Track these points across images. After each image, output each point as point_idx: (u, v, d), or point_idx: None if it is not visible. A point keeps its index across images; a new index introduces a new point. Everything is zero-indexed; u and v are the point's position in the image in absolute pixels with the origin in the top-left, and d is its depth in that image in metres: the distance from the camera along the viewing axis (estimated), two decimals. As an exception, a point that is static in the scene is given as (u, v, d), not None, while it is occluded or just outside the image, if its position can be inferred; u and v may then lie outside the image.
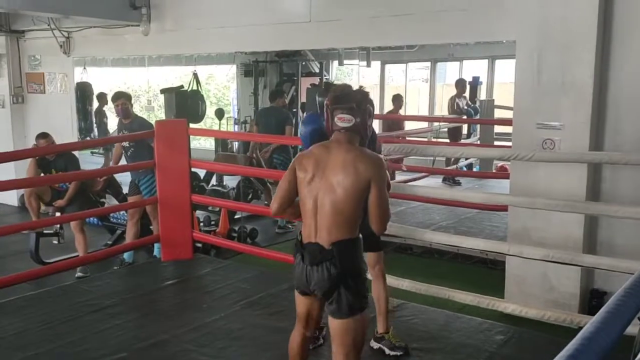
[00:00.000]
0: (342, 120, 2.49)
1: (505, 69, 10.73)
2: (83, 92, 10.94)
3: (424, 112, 11.79)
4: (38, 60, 8.58)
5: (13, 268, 5.39)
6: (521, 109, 4.43)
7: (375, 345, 3.50)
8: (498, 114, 9.29)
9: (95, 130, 11.56)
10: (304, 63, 11.48)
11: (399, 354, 3.44)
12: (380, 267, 3.51)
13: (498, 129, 9.49)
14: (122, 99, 5.70)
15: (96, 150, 13.42)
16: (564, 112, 4.17)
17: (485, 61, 10.84)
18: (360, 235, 2.51)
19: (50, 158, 5.66)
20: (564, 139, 4.15)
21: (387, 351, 3.45)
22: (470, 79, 9.88)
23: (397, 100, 9.59)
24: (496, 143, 9.04)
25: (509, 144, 4.90)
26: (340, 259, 2.39)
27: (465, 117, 9.01)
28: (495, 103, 9.66)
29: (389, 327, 3.50)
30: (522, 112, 4.40)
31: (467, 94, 9.46)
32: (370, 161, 2.42)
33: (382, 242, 3.52)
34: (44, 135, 5.67)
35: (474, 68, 11.10)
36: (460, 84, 9.40)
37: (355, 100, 2.51)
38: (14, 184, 6.29)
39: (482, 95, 10.29)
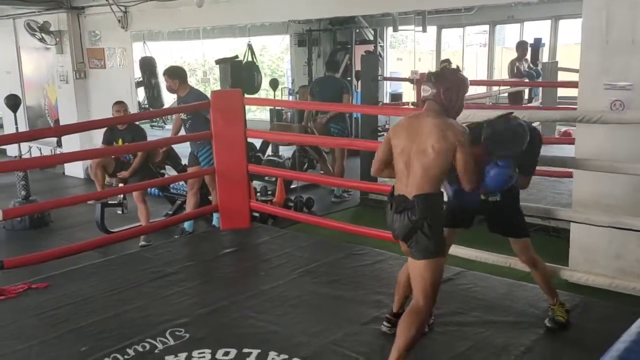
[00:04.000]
0: (424, 90, 2.92)
1: (570, 30, 10.24)
2: (147, 66, 11.14)
3: (483, 77, 11.43)
4: (98, 35, 8.78)
5: (80, 237, 5.62)
6: (588, 69, 4.21)
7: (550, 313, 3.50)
8: (562, 77, 8.89)
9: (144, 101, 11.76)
10: (357, 30, 11.30)
11: (549, 325, 3.40)
12: (526, 258, 3.39)
13: (561, 92, 9.10)
14: (165, 76, 5.80)
15: (155, 123, 13.77)
16: (634, 71, 3.94)
17: (548, 22, 10.35)
18: (442, 191, 2.91)
19: (121, 127, 5.84)
20: (634, 99, 3.93)
21: (546, 320, 3.44)
22: (532, 41, 9.47)
23: (446, 64, 9.31)
24: (559, 107, 8.68)
25: (574, 107, 4.69)
26: (419, 209, 2.79)
27: (526, 80, 8.67)
28: (559, 65, 9.24)
29: (555, 301, 3.45)
30: (589, 73, 4.19)
31: (528, 57, 9.09)
32: (456, 130, 2.81)
33: (524, 229, 3.39)
34: (118, 103, 5.96)
35: (536, 30, 10.63)
36: (521, 46, 9.02)
37: (434, 75, 2.92)
38: (81, 155, 6.53)
39: (545, 58, 9.86)
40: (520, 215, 3.40)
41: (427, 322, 2.99)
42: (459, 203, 3.28)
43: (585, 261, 4.23)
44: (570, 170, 4.41)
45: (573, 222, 4.10)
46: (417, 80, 7.61)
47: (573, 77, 6.38)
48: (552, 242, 5.04)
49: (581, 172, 4.17)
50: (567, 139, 7.58)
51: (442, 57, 11.50)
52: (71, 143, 8.37)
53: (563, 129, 8.82)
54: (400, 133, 2.95)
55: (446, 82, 2.87)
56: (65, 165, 9.28)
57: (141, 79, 11.21)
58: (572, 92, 6.80)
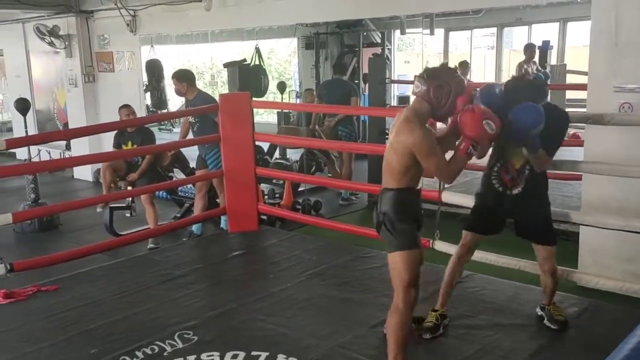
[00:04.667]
0: (415, 86, 2.79)
1: (578, 32, 10.20)
2: (153, 68, 11.18)
3: (490, 80, 11.40)
4: (107, 39, 8.83)
5: (89, 240, 5.65)
6: (597, 72, 4.19)
7: (539, 311, 3.53)
8: (570, 79, 8.85)
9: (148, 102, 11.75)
10: (365, 33, 11.31)
11: (553, 327, 3.40)
12: (548, 267, 3.35)
13: (570, 95, 9.06)
14: (174, 79, 5.82)
15: (163, 126, 13.82)
16: (643, 74, 3.93)
17: (556, 24, 10.32)
18: (410, 188, 2.77)
19: (130, 130, 5.87)
20: (644, 102, 3.91)
21: (545, 321, 3.45)
22: (540, 44, 9.44)
23: (463, 67, 9.31)
24: (568, 110, 8.62)
25: (582, 110, 4.67)
26: (382, 203, 2.80)
27: (534, 83, 8.63)
28: (568, 68, 9.20)
29: (549, 301, 3.47)
30: (598, 76, 4.17)
31: (536, 59, 9.06)
32: (411, 133, 2.67)
33: (553, 236, 3.34)
34: (125, 107, 5.97)
35: (544, 32, 10.60)
36: (529, 49, 9.00)
37: (426, 72, 2.79)
38: (90, 158, 6.57)
39: (553, 60, 9.82)
40: (550, 219, 3.34)
41: (411, 320, 2.85)
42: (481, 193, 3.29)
43: (595, 264, 4.20)
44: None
45: (583, 225, 4.08)
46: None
47: (582, 79, 6.36)
48: (561, 245, 4.98)
49: (590, 174, 4.15)
50: (575, 141, 7.54)
51: (449, 60, 11.49)
52: (80, 146, 8.42)
53: (572, 131, 8.77)
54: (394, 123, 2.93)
55: (438, 80, 2.71)
56: (74, 168, 9.33)
57: (147, 82, 11.24)
58: (580, 94, 6.78)
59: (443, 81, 2.72)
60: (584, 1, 5.11)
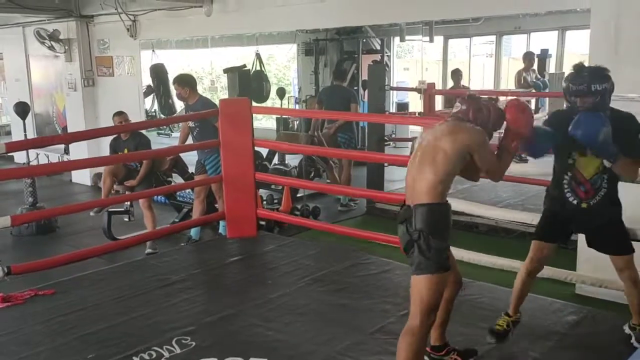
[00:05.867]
0: (455, 107, 2.85)
1: (577, 41, 10.25)
2: (158, 72, 11.18)
3: (489, 88, 11.42)
4: (107, 44, 8.84)
5: (87, 243, 5.64)
6: (596, 80, 4.20)
7: (627, 330, 3.33)
8: (568, 87, 8.87)
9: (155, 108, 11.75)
10: (364, 40, 11.35)
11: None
12: (629, 274, 3.12)
13: (568, 103, 9.07)
14: (175, 84, 5.85)
15: (162, 131, 13.82)
16: (643, 83, 3.94)
17: (555, 33, 10.36)
18: (445, 202, 2.67)
19: (124, 137, 5.87)
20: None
21: (633, 341, 3.24)
22: (539, 52, 9.48)
23: (456, 74, 9.35)
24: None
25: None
26: (416, 220, 2.63)
27: (533, 90, 8.68)
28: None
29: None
30: (597, 84, 4.17)
31: (535, 67, 9.10)
32: (469, 130, 2.70)
33: (628, 245, 3.13)
34: (119, 113, 5.98)
35: (543, 40, 10.65)
36: (528, 57, 9.05)
37: (469, 95, 2.87)
38: (88, 162, 6.56)
39: (551, 68, 9.86)
40: (623, 227, 3.15)
41: (425, 342, 2.74)
42: (552, 204, 3.16)
43: (594, 271, 4.19)
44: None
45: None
46: (425, 90, 7.64)
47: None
48: (560, 253, 5.01)
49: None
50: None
51: (449, 67, 11.53)
52: (79, 150, 8.40)
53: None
54: (421, 137, 2.94)
55: (479, 104, 2.80)
56: (73, 172, 9.32)
57: (151, 86, 11.23)
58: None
59: (484, 106, 2.82)
60: (582, 10, 5.13)
